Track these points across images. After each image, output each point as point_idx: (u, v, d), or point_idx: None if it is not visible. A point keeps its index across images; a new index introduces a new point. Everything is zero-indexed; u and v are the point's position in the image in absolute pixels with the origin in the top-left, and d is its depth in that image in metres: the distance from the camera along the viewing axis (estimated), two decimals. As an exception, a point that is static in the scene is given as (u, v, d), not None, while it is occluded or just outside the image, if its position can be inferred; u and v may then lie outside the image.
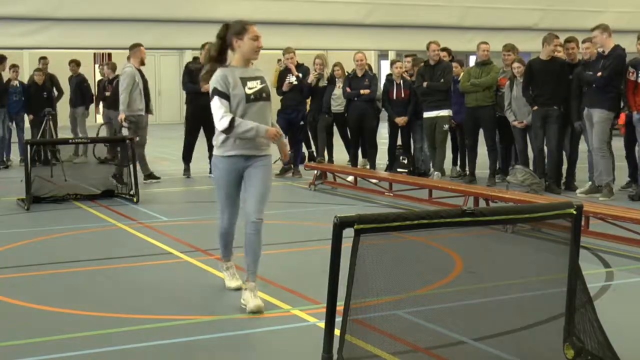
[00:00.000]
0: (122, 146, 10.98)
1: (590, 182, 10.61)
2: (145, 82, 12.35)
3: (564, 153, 11.07)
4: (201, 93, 12.66)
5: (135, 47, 12.21)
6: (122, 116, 11.81)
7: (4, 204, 10.38)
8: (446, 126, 12.04)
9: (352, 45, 14.46)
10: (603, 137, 10.15)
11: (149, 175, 12.49)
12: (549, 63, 10.76)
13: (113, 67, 15.43)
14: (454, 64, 12.53)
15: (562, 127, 10.82)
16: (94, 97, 16.70)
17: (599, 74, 10.04)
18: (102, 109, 15.87)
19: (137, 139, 11.62)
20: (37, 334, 5.11)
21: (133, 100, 11.87)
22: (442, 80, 11.96)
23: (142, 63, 12.31)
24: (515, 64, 11.13)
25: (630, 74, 10.01)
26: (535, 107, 10.74)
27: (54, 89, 15.65)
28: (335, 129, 13.50)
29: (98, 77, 20.83)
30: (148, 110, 12.43)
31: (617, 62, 10.08)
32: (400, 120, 12.52)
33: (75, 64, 16.14)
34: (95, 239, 8.25)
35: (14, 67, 15.02)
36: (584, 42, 10.39)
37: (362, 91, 12.47)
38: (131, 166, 10.31)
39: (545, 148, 10.98)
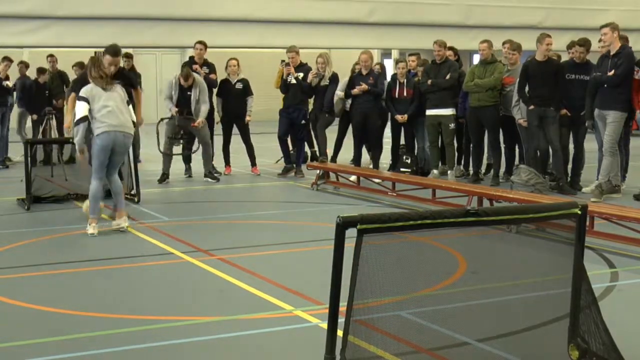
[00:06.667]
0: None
1: (597, 182, 10.52)
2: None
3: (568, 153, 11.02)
4: None
5: None
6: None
7: (4, 204, 10.34)
8: (452, 125, 11.99)
9: (355, 43, 14.43)
10: (615, 137, 10.09)
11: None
12: (544, 64, 10.73)
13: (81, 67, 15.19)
14: None
15: (561, 126, 10.77)
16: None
17: (611, 72, 9.96)
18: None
19: None
20: (37, 334, 5.07)
21: None
22: (446, 78, 11.93)
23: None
24: None
25: (636, 72, 9.95)
26: (532, 107, 10.69)
27: (64, 86, 15.40)
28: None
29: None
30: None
31: (629, 61, 10.00)
32: (400, 117, 12.45)
33: (24, 65, 15.45)
34: (96, 239, 8.20)
35: (6, 60, 14.76)
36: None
37: (356, 88, 12.35)
38: (132, 165, 10.26)
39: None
